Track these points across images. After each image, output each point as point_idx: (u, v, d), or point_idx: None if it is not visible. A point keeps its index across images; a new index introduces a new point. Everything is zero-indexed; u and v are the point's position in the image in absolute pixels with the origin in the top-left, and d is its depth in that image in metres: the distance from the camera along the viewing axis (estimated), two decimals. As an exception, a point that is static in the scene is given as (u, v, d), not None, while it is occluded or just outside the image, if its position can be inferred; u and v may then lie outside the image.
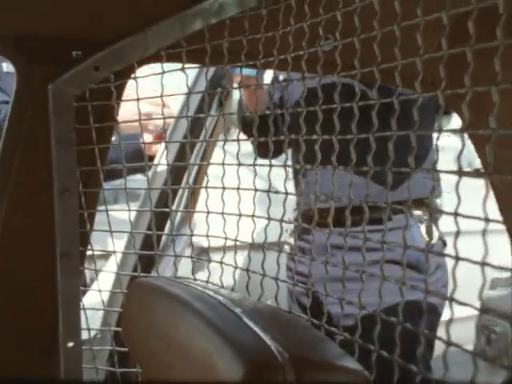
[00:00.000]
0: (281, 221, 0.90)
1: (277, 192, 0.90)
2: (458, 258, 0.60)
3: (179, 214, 1.92)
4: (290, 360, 0.62)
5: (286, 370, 0.61)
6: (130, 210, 1.07)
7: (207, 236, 1.01)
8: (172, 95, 1.05)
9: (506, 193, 1.33)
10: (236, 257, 0.96)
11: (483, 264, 0.56)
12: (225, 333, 0.67)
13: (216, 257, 1.00)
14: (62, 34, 1.01)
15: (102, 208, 1.11)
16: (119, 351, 1.17)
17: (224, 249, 0.98)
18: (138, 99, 1.04)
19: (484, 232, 0.57)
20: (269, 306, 0.83)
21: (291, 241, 1.87)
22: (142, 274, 1.10)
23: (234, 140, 0.99)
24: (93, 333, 1.36)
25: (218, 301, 0.78)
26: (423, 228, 1.93)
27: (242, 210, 0.92)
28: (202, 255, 1.22)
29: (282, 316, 0.80)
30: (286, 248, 1.87)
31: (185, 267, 1.20)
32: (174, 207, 1.69)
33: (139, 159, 1.09)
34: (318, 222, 0.87)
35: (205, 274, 1.01)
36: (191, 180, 1.92)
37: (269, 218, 0.90)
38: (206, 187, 1.00)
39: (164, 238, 1.82)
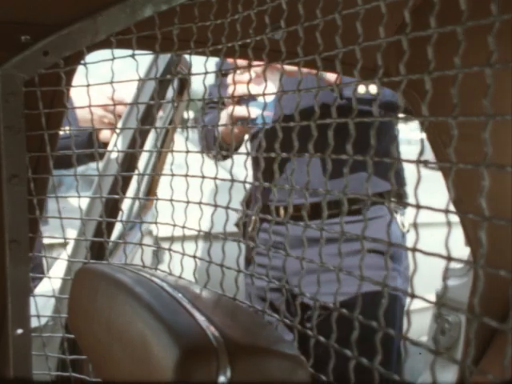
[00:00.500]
0: (249, 212, 0.90)
1: (236, 181, 0.89)
2: (414, 250, 0.60)
3: (137, 203, 1.91)
4: (225, 345, 0.62)
5: (220, 355, 0.61)
6: (79, 197, 1.06)
7: (156, 223, 1.01)
8: (122, 82, 1.04)
9: (458, 185, 1.34)
10: (189, 245, 0.96)
11: (448, 258, 0.56)
12: (162, 317, 0.68)
13: (176, 246, 0.99)
14: (10, 18, 1.00)
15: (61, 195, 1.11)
16: (71, 338, 1.17)
17: (183, 238, 0.98)
18: (87, 85, 1.04)
19: (448, 223, 0.58)
20: (212, 293, 0.83)
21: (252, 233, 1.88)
22: (91, 261, 1.10)
23: (188, 127, 0.99)
24: (44, 320, 1.35)
25: (159, 286, 0.78)
26: (398, 218, 1.99)
27: (201, 199, 0.92)
28: (162, 245, 1.22)
29: (223, 302, 0.80)
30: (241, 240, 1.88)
31: (148, 260, 1.20)
32: (131, 195, 1.68)
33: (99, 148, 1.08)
34: (292, 215, 0.87)
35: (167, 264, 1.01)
36: (149, 168, 1.92)
37: (227, 207, 0.90)
38: (156, 174, 1.00)
39: (121, 227, 1.82)
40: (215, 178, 0.89)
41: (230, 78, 1.54)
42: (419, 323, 1.93)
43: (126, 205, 1.75)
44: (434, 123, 1.28)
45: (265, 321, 0.79)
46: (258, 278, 0.88)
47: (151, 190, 2.04)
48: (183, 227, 0.97)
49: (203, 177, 0.92)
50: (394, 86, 1.38)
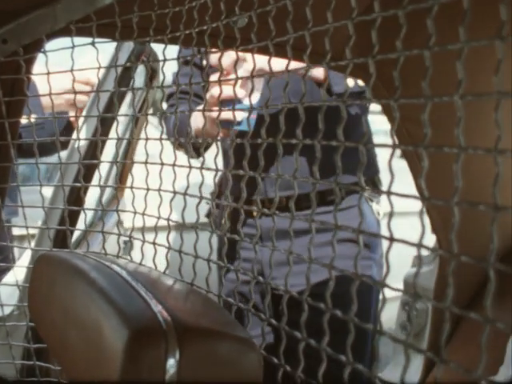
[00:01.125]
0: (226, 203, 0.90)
1: (208, 168, 0.89)
2: (392, 239, 0.60)
3: (107, 193, 1.91)
4: (175, 327, 0.63)
5: (169, 337, 0.62)
6: (41, 185, 1.06)
7: (117, 211, 1.02)
8: (83, 69, 1.04)
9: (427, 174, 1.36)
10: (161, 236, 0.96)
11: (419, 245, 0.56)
12: (114, 301, 0.68)
13: (148, 237, 1.00)
14: (-33, 5, 1.00)
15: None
16: (35, 327, 1.17)
17: (155, 228, 0.97)
18: (48, 73, 1.04)
19: (421, 212, 0.58)
20: (170, 278, 0.83)
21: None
22: (54, 250, 1.10)
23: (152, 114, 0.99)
24: (9, 310, 1.35)
25: (116, 272, 0.78)
26: (374, 206, 2.00)
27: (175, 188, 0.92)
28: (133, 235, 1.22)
29: (178, 287, 0.80)
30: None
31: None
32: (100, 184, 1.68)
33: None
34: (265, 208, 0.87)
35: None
36: (120, 156, 1.92)
37: (201, 197, 0.89)
38: (116, 162, 1.00)
39: (90, 217, 1.82)
40: (190, 167, 0.89)
41: (213, 78, 1.49)
42: (387, 312, 1.95)
43: (93, 197, 1.74)
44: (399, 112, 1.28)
45: (218, 305, 0.80)
46: (234, 270, 0.88)
47: (121, 183, 2.03)
48: (142, 214, 0.97)
49: (174, 164, 0.92)
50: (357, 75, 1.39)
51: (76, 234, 1.67)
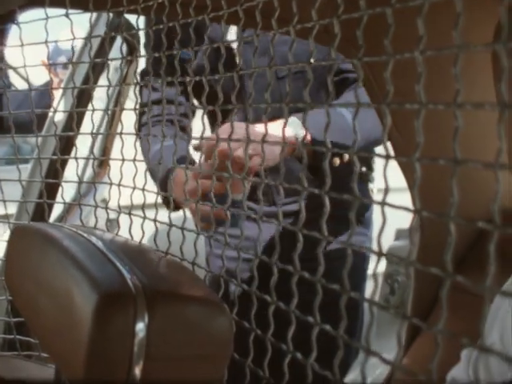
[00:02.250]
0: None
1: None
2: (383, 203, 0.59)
3: (88, 171, 1.90)
4: (144, 292, 0.63)
5: (138, 301, 0.62)
6: (17, 159, 1.06)
7: (94, 183, 1.01)
8: (59, 41, 1.04)
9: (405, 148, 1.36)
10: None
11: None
12: (84, 267, 0.68)
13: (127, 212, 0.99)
14: None
15: None
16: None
17: (143, 207, 0.97)
18: (22, 45, 1.03)
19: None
20: (141, 246, 0.84)
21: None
22: (31, 223, 1.10)
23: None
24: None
25: (88, 240, 0.78)
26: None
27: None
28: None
29: (152, 255, 0.81)
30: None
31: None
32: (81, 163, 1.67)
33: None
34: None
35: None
36: (103, 129, 1.91)
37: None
38: (92, 133, 1.00)
39: (73, 194, 1.81)
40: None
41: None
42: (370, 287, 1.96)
43: (74, 174, 1.74)
44: (381, 92, 1.27)
45: (193, 273, 0.80)
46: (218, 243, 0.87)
47: (105, 159, 2.03)
48: (118, 185, 0.97)
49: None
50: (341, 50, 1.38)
51: (57, 212, 1.67)
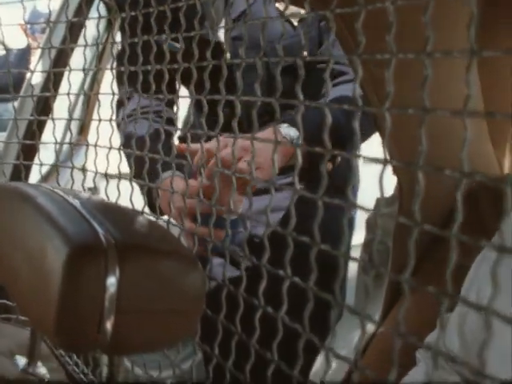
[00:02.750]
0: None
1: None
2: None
3: (68, 136, 1.88)
4: (115, 245, 0.63)
5: (109, 255, 0.62)
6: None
7: (71, 144, 1.01)
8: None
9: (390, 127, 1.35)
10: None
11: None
12: (57, 222, 0.68)
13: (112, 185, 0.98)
14: None
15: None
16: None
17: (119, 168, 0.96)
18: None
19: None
20: (116, 205, 0.83)
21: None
22: (7, 182, 1.09)
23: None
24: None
25: (62, 197, 0.78)
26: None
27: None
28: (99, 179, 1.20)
29: (127, 212, 0.80)
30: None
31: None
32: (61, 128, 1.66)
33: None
34: None
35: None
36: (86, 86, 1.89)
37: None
38: (68, 94, 0.99)
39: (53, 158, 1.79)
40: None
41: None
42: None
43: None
44: (369, 78, 1.25)
45: (167, 230, 0.79)
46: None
47: (84, 126, 2.02)
48: (95, 145, 0.96)
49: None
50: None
51: (36, 178, 1.65)
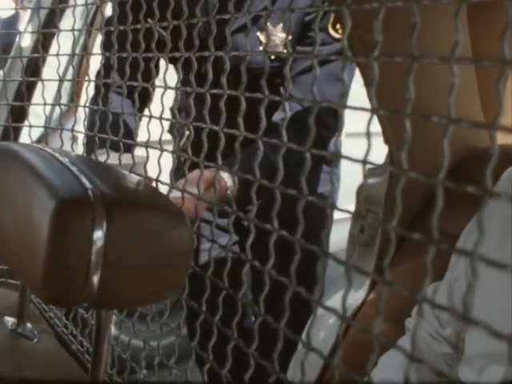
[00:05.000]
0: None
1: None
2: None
3: (66, 97, 1.86)
4: (103, 199, 0.63)
5: (96, 209, 0.62)
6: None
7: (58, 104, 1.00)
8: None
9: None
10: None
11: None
12: (44, 177, 0.67)
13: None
14: None
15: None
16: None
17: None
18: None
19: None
20: (106, 164, 0.83)
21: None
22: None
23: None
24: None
25: (51, 155, 0.77)
26: None
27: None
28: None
29: (115, 170, 0.80)
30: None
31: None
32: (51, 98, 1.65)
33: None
34: None
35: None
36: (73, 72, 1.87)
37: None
38: (58, 55, 0.98)
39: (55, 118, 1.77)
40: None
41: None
42: (338, 234, 1.97)
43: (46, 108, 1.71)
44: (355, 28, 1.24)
45: (155, 187, 0.79)
46: None
47: (76, 92, 2.00)
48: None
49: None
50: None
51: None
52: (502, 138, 1.63)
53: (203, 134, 0.75)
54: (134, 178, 0.79)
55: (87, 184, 0.65)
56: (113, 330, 1.04)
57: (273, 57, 1.61)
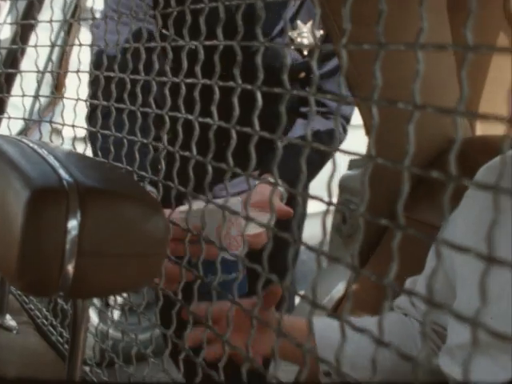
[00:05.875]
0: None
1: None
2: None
3: (48, 90, 1.85)
4: (77, 188, 0.63)
5: (71, 198, 0.62)
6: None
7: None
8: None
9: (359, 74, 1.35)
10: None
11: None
12: (18, 166, 0.68)
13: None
14: None
15: None
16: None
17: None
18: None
19: None
20: (83, 155, 0.83)
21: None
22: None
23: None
24: None
25: (28, 145, 0.77)
26: None
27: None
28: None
29: (92, 160, 0.80)
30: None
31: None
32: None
33: None
34: None
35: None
36: (54, 64, 1.87)
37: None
38: (36, 46, 0.98)
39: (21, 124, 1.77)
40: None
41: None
42: (316, 227, 1.98)
43: (27, 100, 1.71)
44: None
45: (131, 177, 0.79)
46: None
47: (59, 84, 1.99)
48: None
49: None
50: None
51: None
52: (484, 130, 1.65)
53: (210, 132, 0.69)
54: (111, 167, 0.79)
55: (63, 174, 0.65)
56: (94, 322, 1.04)
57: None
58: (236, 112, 0.62)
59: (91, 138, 0.94)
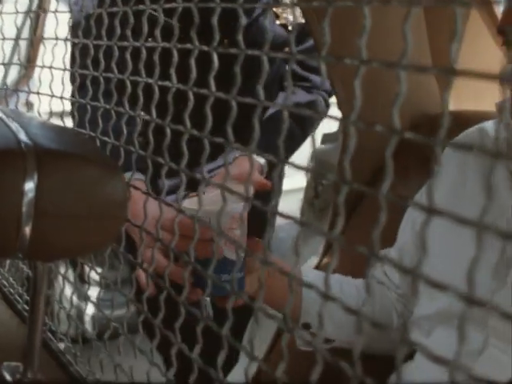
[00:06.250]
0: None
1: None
2: None
3: (14, 70, 1.84)
4: (35, 151, 0.62)
5: (28, 159, 0.61)
6: None
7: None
8: None
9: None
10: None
11: None
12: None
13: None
14: None
15: None
16: None
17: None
18: None
19: None
20: (47, 121, 0.83)
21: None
22: None
23: None
24: None
25: None
26: None
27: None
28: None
29: (52, 125, 0.79)
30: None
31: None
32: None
33: None
34: None
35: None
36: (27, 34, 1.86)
37: None
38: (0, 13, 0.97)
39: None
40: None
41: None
42: (292, 203, 1.99)
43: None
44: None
45: (93, 141, 0.79)
46: None
47: (32, 57, 1.98)
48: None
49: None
50: None
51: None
52: (456, 105, 1.66)
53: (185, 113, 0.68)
54: (72, 132, 0.79)
55: (22, 137, 0.65)
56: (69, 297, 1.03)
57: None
58: (193, 74, 0.62)
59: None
